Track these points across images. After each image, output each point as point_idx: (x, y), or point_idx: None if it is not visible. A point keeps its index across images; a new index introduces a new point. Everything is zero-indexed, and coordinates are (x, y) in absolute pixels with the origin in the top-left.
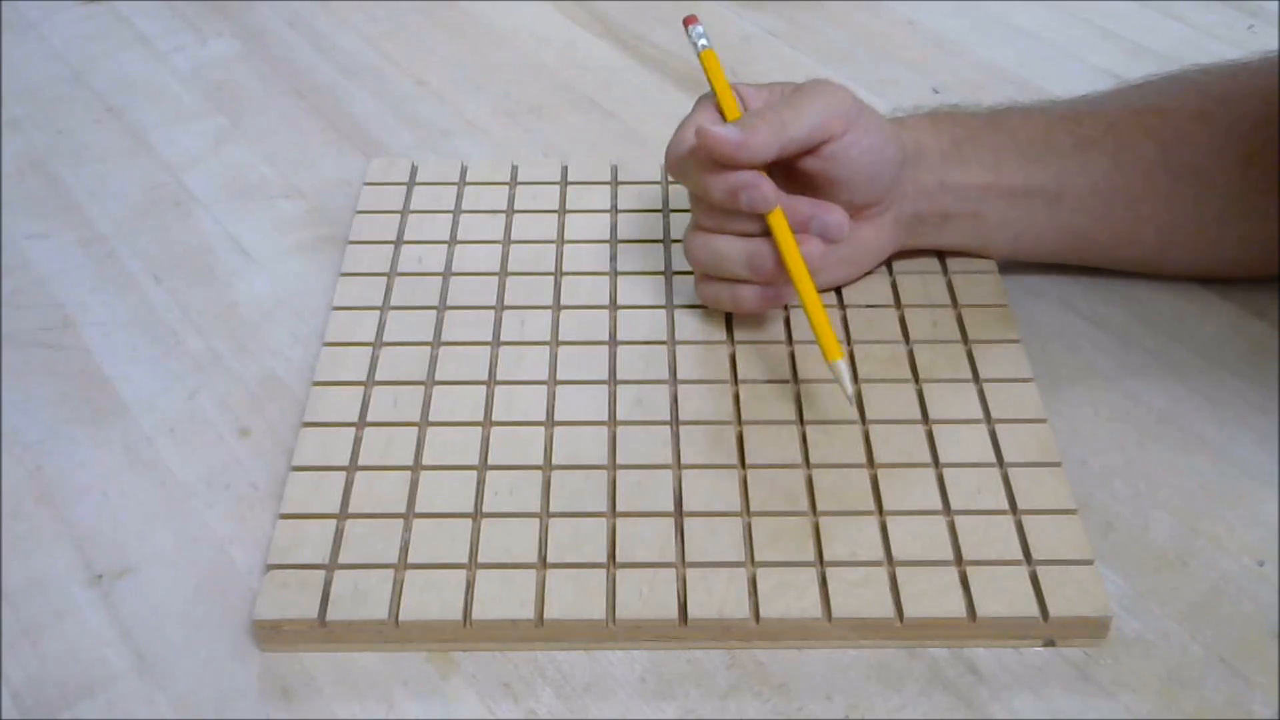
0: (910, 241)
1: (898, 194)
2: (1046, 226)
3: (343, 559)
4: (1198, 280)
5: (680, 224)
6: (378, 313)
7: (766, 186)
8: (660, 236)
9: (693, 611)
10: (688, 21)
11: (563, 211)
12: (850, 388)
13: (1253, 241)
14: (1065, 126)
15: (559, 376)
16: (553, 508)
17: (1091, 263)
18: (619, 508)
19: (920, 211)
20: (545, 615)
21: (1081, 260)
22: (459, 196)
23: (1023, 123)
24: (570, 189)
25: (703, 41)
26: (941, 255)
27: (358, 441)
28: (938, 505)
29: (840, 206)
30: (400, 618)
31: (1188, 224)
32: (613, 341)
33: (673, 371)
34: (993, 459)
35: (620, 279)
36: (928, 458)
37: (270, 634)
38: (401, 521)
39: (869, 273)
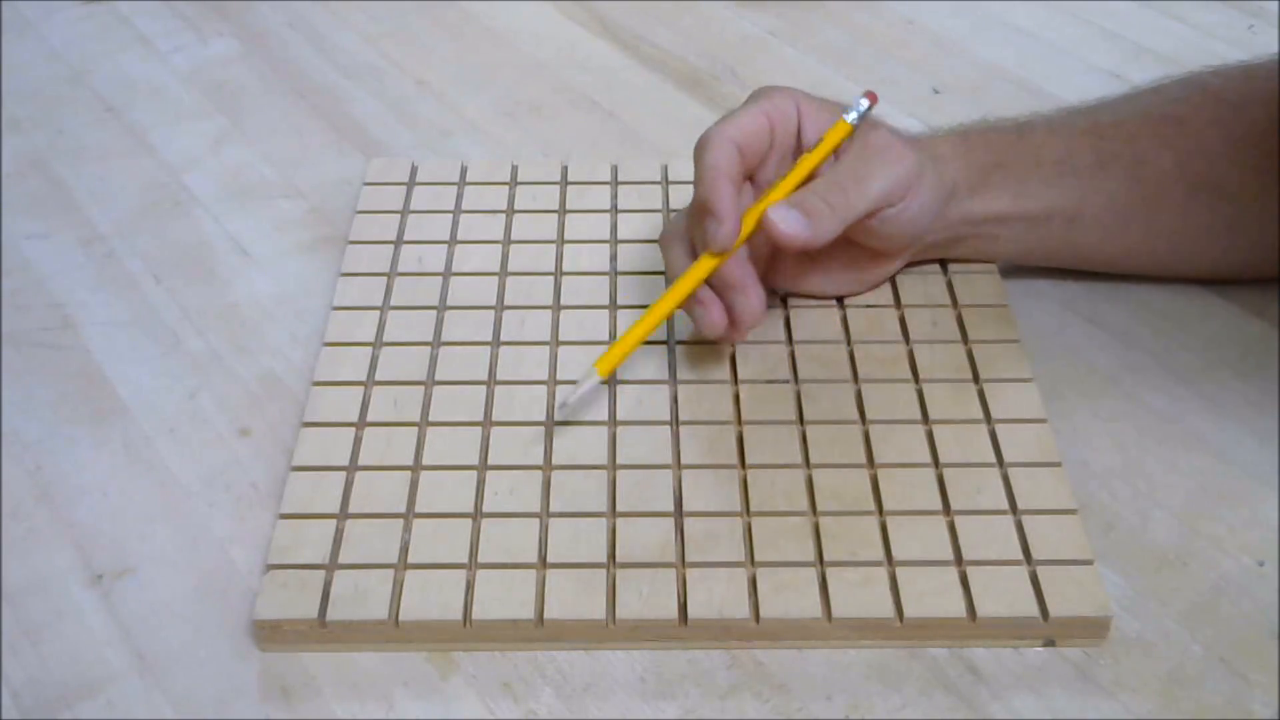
0: (916, 257)
1: (926, 234)
2: (1059, 243)
3: (343, 559)
4: (1199, 281)
5: None
6: (378, 313)
7: (728, 230)
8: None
9: (693, 611)
10: (870, 97)
11: (563, 211)
12: (574, 396)
13: (1262, 246)
14: (1088, 142)
15: (559, 376)
16: (553, 508)
17: (1101, 270)
18: (619, 508)
19: (936, 239)
20: (545, 615)
21: (1090, 269)
22: (459, 196)
23: (1047, 139)
24: (570, 189)
25: (853, 115)
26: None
27: (358, 441)
28: (938, 505)
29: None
30: (400, 618)
31: (1200, 233)
32: (612, 341)
33: (673, 371)
34: (993, 459)
35: (620, 279)
36: (928, 458)
37: (270, 634)
38: (401, 521)
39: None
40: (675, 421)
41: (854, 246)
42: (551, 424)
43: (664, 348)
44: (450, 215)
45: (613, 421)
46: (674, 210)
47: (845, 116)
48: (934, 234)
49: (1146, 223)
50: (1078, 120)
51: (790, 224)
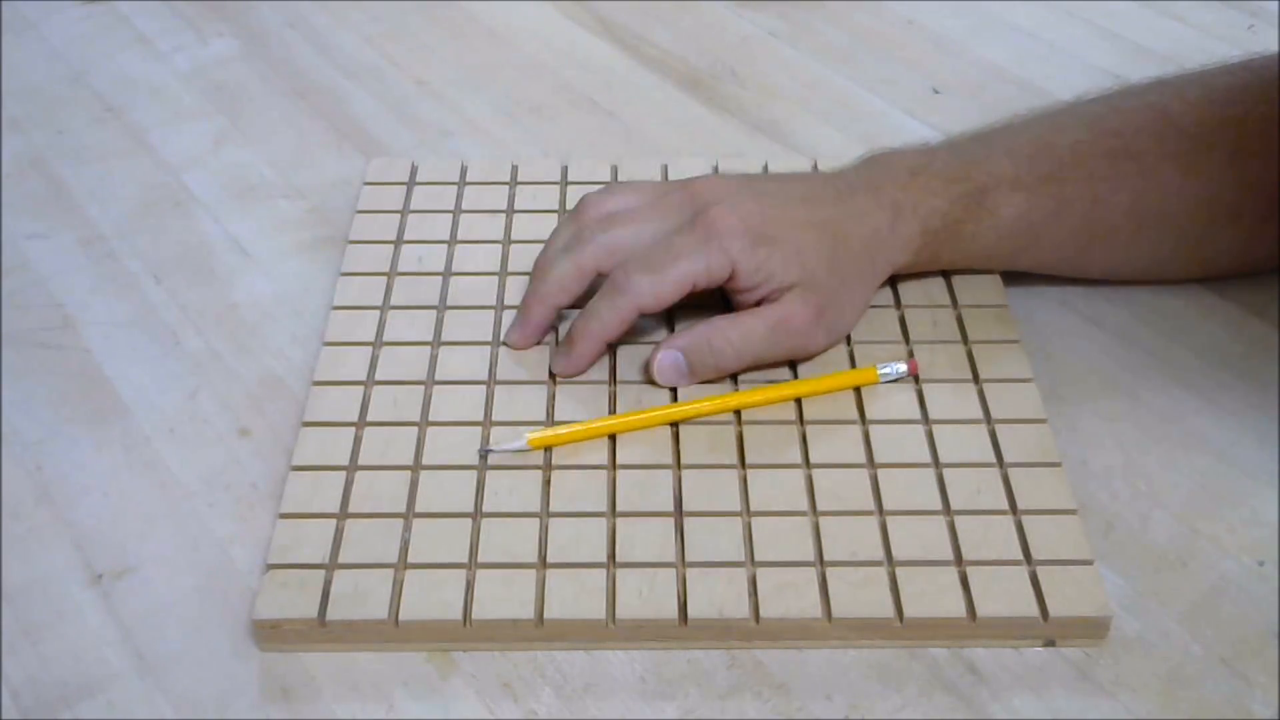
0: None
1: None
2: (1011, 264)
3: (343, 559)
4: (1195, 281)
5: None
6: (378, 312)
7: (521, 341)
8: None
9: (693, 611)
10: (911, 367)
11: (562, 211)
12: (498, 448)
13: (1212, 266)
14: (1049, 190)
15: (559, 376)
16: (553, 508)
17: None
18: (619, 508)
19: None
20: (545, 615)
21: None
22: (459, 196)
23: (1010, 196)
24: (570, 189)
25: (885, 370)
26: None
27: (358, 441)
28: (938, 505)
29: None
30: (400, 618)
31: (1138, 262)
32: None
33: None
34: (993, 459)
35: None
36: (928, 458)
37: (270, 634)
38: (401, 521)
39: None
40: (675, 421)
41: None
42: (484, 454)
43: None
44: (450, 215)
45: None
46: None
47: (880, 370)
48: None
49: (1086, 255)
50: (1042, 163)
51: (667, 375)
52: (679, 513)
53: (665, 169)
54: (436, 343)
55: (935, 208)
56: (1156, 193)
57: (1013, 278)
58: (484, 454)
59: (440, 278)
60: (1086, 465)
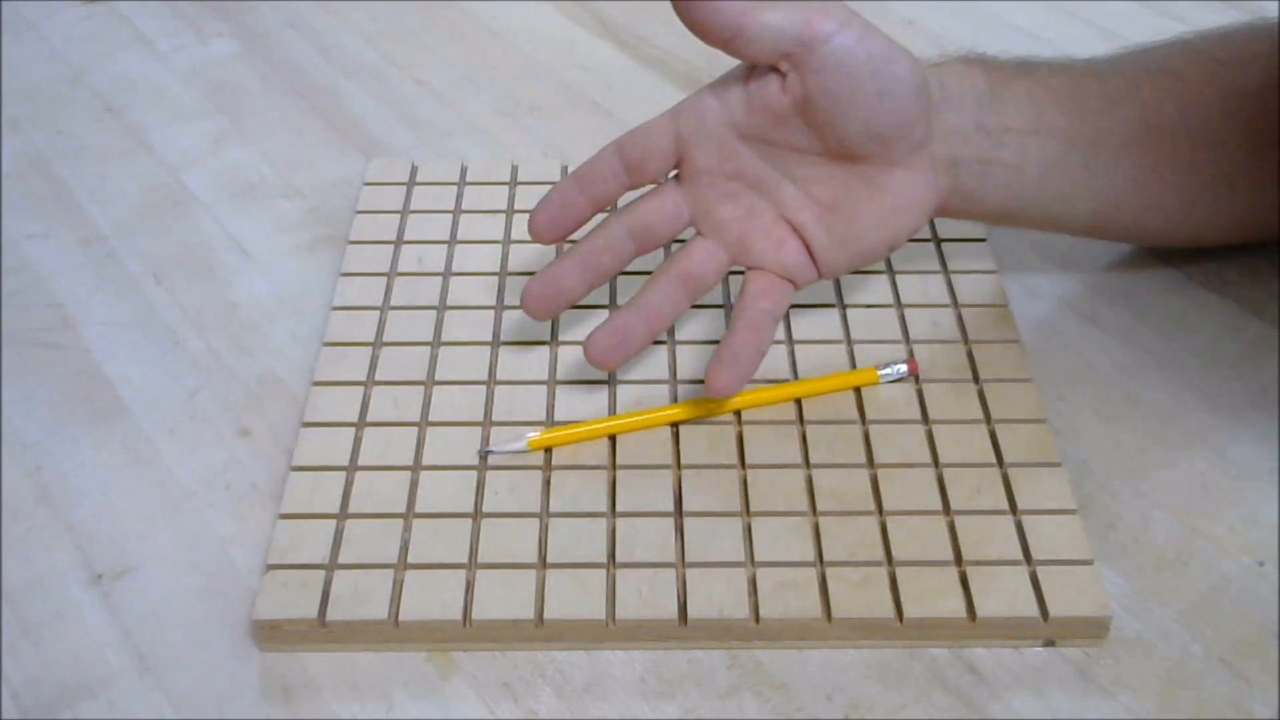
0: (954, 194)
1: (930, 135)
2: (1084, 187)
3: (342, 559)
4: (1202, 247)
5: None
6: (378, 313)
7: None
8: None
9: (693, 611)
10: (912, 367)
11: None
12: (499, 448)
13: (1254, 208)
14: (1092, 84)
15: (559, 376)
16: (553, 508)
17: (1116, 235)
18: (619, 508)
19: (957, 155)
20: (545, 615)
21: (1107, 233)
22: (459, 196)
23: (1050, 74)
24: None
25: (886, 371)
26: (941, 254)
27: (358, 441)
28: (938, 505)
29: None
30: (400, 618)
31: (1202, 191)
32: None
33: (673, 372)
34: (993, 459)
35: (620, 279)
36: (928, 458)
37: (270, 634)
38: (401, 521)
39: (873, 269)
40: (675, 421)
41: (857, 163)
42: (485, 455)
43: (664, 348)
44: (450, 215)
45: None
46: None
47: (880, 371)
48: (951, 147)
49: (1157, 174)
50: (1075, 65)
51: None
52: (679, 513)
53: None
54: (436, 343)
55: (979, 60)
56: (1202, 110)
57: (1013, 278)
58: (484, 455)
59: (440, 278)
60: (1086, 465)
